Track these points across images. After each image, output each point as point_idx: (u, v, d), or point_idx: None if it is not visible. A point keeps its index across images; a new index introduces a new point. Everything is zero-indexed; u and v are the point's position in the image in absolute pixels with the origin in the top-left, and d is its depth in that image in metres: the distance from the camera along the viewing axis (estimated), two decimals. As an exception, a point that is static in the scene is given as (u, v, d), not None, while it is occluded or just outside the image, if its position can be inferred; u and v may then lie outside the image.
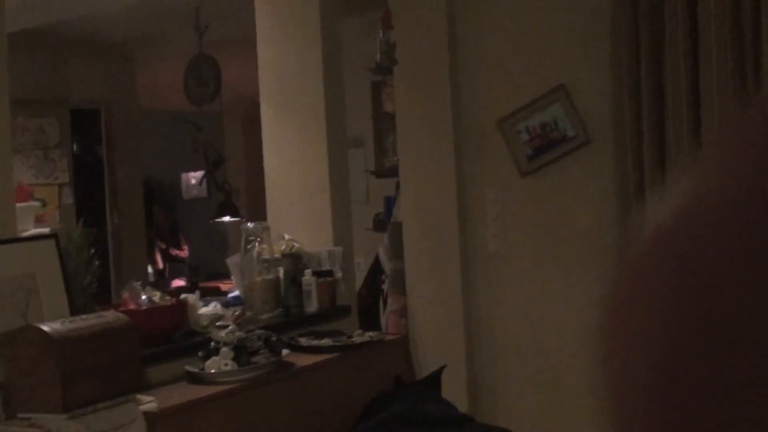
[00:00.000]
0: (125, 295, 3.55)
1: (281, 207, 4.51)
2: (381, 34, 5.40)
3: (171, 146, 10.66)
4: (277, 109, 4.49)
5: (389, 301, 5.40)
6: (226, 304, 4.08)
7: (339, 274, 4.30)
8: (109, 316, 2.81)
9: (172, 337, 3.50)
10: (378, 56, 5.52)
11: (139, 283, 3.56)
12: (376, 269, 5.65)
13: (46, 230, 3.18)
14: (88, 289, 3.11)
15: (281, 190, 4.50)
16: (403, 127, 5.10)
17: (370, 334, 3.94)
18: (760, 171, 0.42)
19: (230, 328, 3.37)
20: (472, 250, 4.76)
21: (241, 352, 3.30)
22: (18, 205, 3.06)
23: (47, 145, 7.56)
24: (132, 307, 3.50)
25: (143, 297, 3.52)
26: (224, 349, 3.27)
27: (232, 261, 4.39)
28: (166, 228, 10.31)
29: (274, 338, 3.46)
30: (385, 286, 5.52)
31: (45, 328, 2.59)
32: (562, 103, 4.47)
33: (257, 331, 3.45)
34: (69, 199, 7.65)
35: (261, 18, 4.52)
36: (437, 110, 4.78)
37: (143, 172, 9.04)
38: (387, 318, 5.41)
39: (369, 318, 5.65)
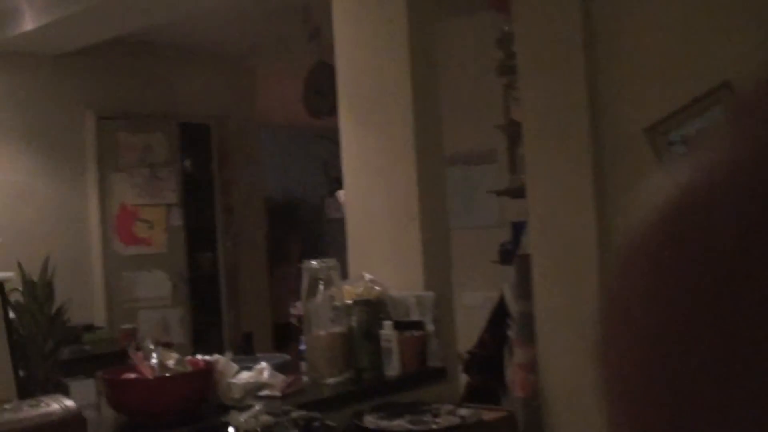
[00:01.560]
0: (136, 355, 2.74)
1: (363, 239, 3.64)
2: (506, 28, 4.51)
3: (292, 162, 9.99)
4: (357, 120, 3.63)
5: (515, 351, 4.45)
6: (282, 366, 3.21)
7: (430, 327, 3.38)
8: (54, 407, 1.98)
9: (192, 414, 2.67)
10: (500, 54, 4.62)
11: (149, 343, 2.73)
12: (500, 311, 4.69)
13: (6, 275, 2.37)
14: (51, 357, 2.29)
15: (363, 219, 3.63)
16: (531, 139, 4.19)
17: (463, 413, 3.00)
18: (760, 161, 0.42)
19: (255, 409, 2.50)
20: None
21: (265, 445, 2.43)
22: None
23: (154, 163, 6.93)
24: (140, 373, 2.70)
25: (153, 360, 2.70)
26: (241, 441, 2.41)
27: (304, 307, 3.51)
28: (296, 252, 9.58)
29: (317, 423, 2.57)
30: (510, 332, 4.56)
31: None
32: (726, 105, 3.48)
33: (295, 413, 2.57)
34: (177, 220, 7.00)
35: (339, 17, 3.69)
36: (571, 118, 3.89)
37: (265, 190, 8.34)
38: (512, 372, 4.46)
39: (491, 371, 4.72)
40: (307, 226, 10.40)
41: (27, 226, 6.33)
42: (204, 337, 7.23)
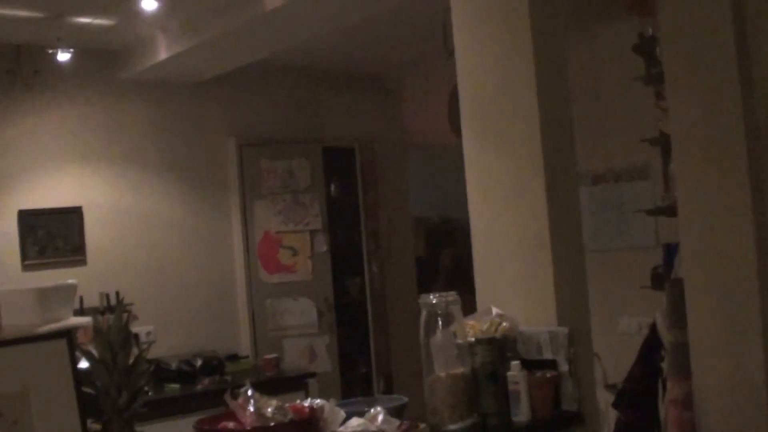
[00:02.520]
0: (236, 402, 2.55)
1: (490, 270, 3.35)
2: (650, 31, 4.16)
3: (444, 182, 9.73)
4: (481, 141, 3.36)
5: (669, 385, 4.07)
6: (399, 410, 2.95)
7: (564, 367, 3.06)
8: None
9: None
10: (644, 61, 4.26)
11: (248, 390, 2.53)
12: (652, 341, 4.30)
13: (81, 321, 2.21)
14: (128, 409, 2.11)
15: (489, 247, 3.35)
16: (681, 153, 3.83)
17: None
18: None
19: (355, 465, 2.25)
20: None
21: (364, 506, 2.18)
22: (37, 287, 2.14)
23: (297, 189, 6.83)
24: (238, 421, 2.50)
25: (250, 408, 2.50)
26: (336, 502, 2.17)
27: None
28: (449, 271, 9.31)
29: (425, 480, 2.30)
30: (663, 365, 4.17)
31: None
32: None
33: (400, 469, 2.31)
34: (322, 246, 6.86)
35: (459, 28, 3.45)
36: (725, 129, 3.51)
37: (414, 212, 8.12)
38: (666, 409, 4.07)
39: (643, 408, 4.33)
40: (464, 247, 10.14)
41: (172, 257, 6.34)
42: (352, 365, 7.07)
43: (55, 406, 2.04)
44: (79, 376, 2.05)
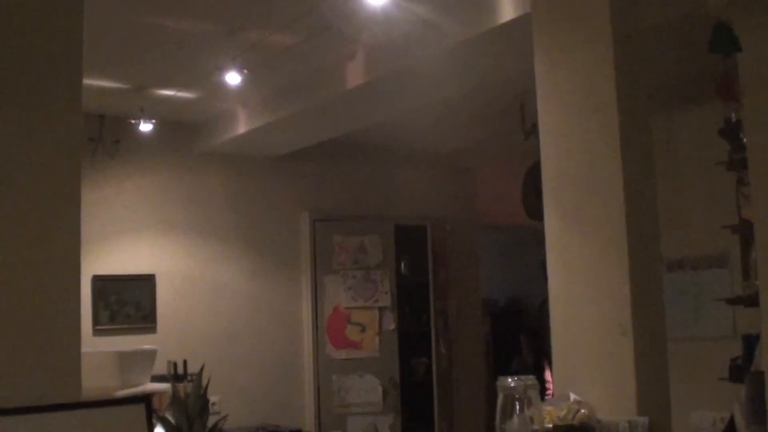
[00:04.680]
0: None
1: (569, 354, 3.28)
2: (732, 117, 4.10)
3: (511, 264, 9.67)
4: (564, 221, 3.31)
5: (747, 481, 3.91)
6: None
7: (643, 458, 2.95)
8: None
9: None
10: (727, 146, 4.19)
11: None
12: (730, 436, 4.17)
13: (160, 387, 2.20)
14: (204, 480, 2.09)
15: (569, 330, 3.27)
16: (765, 242, 3.73)
17: None
18: None
19: None
20: None
21: None
22: (119, 351, 2.14)
23: (368, 265, 6.82)
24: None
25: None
26: None
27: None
28: (529, 360, 9.15)
29: None
30: (743, 461, 4.03)
31: None
32: None
33: None
34: (390, 324, 6.83)
35: (543, 108, 3.43)
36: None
37: (483, 293, 8.05)
38: (746, 508, 3.92)
39: (720, 505, 4.19)
40: (531, 331, 9.99)
41: (241, 328, 6.35)
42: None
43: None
44: (157, 442, 2.04)
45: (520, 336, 9.38)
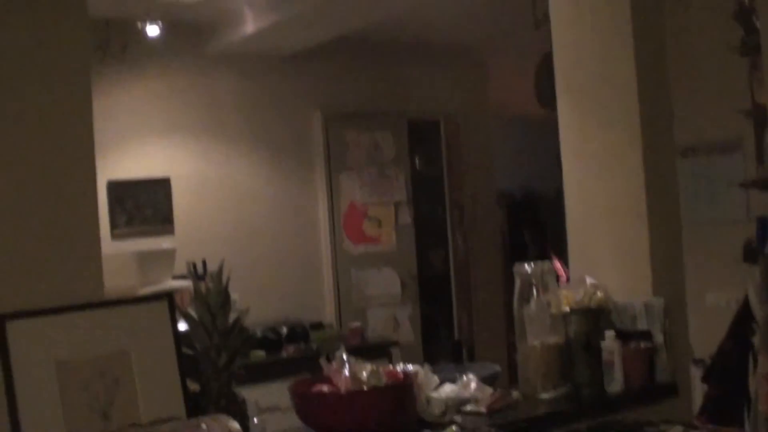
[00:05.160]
0: (329, 366, 2.56)
1: (584, 239, 3.31)
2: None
3: (527, 155, 9.64)
4: (577, 109, 3.30)
5: (760, 360, 3.95)
6: (491, 378, 2.95)
7: (659, 338, 3.01)
8: (216, 429, 1.82)
9: (392, 428, 2.47)
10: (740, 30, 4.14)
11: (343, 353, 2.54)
12: (744, 315, 4.19)
13: (182, 284, 2.24)
14: (226, 370, 2.14)
15: (584, 216, 3.30)
16: (779, 124, 3.70)
17: (693, 437, 2.63)
18: None
19: (450, 429, 2.25)
20: None
21: (460, 472, 2.18)
22: (138, 251, 2.17)
23: (382, 161, 6.83)
24: (332, 385, 2.52)
25: (345, 373, 2.51)
26: (433, 467, 2.17)
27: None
28: (533, 254, 9.21)
29: (520, 448, 2.29)
30: (755, 339, 4.08)
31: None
32: None
33: (495, 436, 2.30)
34: (407, 218, 6.87)
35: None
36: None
37: (498, 185, 8.05)
38: (757, 384, 3.97)
39: (734, 383, 4.24)
40: (546, 222, 10.03)
41: (257, 227, 6.40)
42: (434, 336, 7.09)
43: (156, 365, 2.07)
44: (179, 337, 2.08)
45: (523, 231, 9.43)
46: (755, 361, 4.02)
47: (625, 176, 3.12)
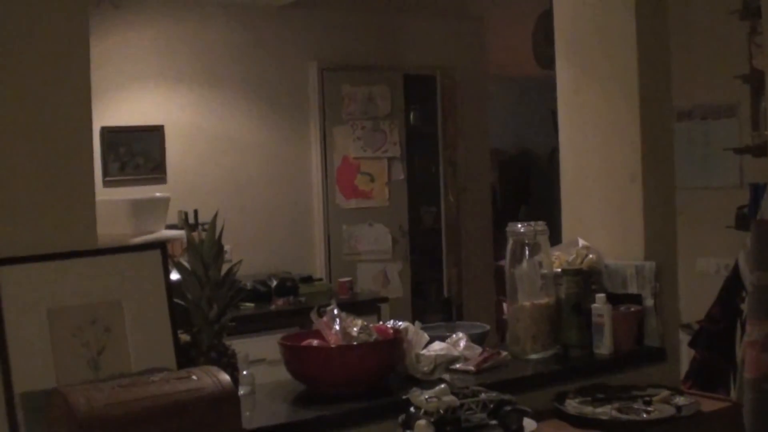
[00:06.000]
0: (321, 321, 2.57)
1: (578, 201, 3.31)
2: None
3: (522, 114, 9.62)
4: (576, 68, 3.28)
5: (748, 327, 3.97)
6: (481, 337, 2.96)
7: (649, 302, 3.02)
8: (206, 382, 1.82)
9: (375, 386, 2.48)
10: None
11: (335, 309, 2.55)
12: (733, 282, 4.21)
13: (175, 233, 2.24)
14: (218, 322, 2.14)
15: (579, 177, 3.30)
16: (777, 91, 3.70)
17: (680, 401, 2.65)
18: None
19: (440, 388, 2.26)
20: None
21: (448, 429, 2.19)
22: (131, 198, 2.16)
23: (377, 115, 6.79)
24: (322, 340, 2.53)
25: (336, 327, 2.52)
26: (421, 423, 2.18)
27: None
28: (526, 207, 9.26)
29: (509, 407, 2.30)
30: (744, 306, 4.09)
31: (75, 397, 1.65)
32: None
33: (484, 395, 2.31)
34: (399, 174, 6.85)
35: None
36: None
37: (492, 143, 8.03)
38: (743, 350, 4.00)
39: (721, 349, 4.27)
40: (538, 180, 10.04)
41: (250, 179, 6.38)
42: (423, 292, 7.10)
43: (147, 315, 2.07)
44: (171, 287, 2.07)
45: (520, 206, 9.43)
46: (743, 327, 4.05)
47: (622, 138, 3.11)
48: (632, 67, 3.07)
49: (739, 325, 4.14)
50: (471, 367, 2.70)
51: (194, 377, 1.83)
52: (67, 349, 1.93)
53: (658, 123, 3.12)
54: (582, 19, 3.25)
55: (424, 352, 2.62)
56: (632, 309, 2.98)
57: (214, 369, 1.90)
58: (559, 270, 2.97)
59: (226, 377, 1.87)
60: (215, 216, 2.18)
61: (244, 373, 2.41)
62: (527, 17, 7.11)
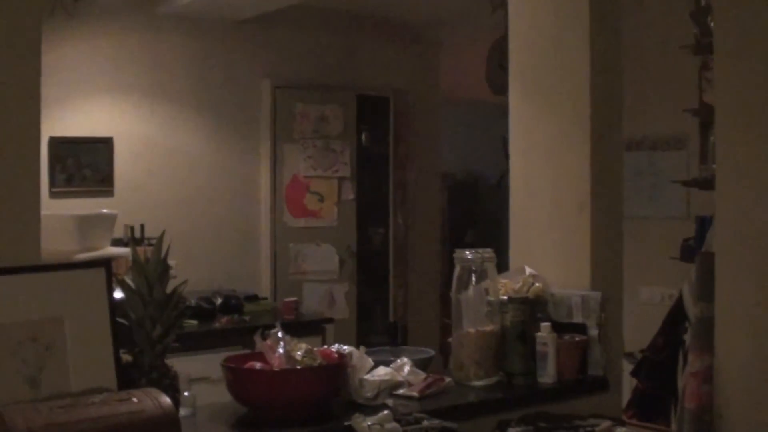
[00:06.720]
0: (265, 343, 2.54)
1: (526, 228, 3.32)
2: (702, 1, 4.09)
3: (472, 139, 9.68)
4: (528, 96, 3.30)
5: (690, 358, 4.00)
6: (425, 363, 2.95)
7: (594, 331, 3.04)
8: (146, 404, 1.79)
9: (318, 411, 2.46)
10: (695, 29, 4.19)
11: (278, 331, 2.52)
12: (677, 313, 4.25)
13: (121, 251, 2.20)
14: (160, 342, 2.11)
15: (527, 205, 3.31)
16: (724, 126, 3.73)
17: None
18: None
19: (383, 414, 2.25)
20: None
21: (390, 456, 2.18)
22: (78, 214, 2.12)
23: (329, 135, 6.78)
24: (266, 363, 2.50)
25: (280, 351, 2.49)
26: (364, 450, 2.16)
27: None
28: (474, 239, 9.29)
29: (452, 435, 2.29)
30: (686, 337, 4.13)
31: (13, 417, 1.61)
32: None
33: (427, 422, 2.30)
34: (349, 194, 6.84)
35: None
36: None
37: (443, 167, 8.06)
38: (685, 381, 4.03)
39: (662, 379, 4.30)
40: (486, 206, 10.09)
41: (198, 193, 6.33)
42: (369, 314, 7.09)
43: (89, 333, 2.03)
44: (114, 306, 2.04)
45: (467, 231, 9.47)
46: (685, 358, 4.08)
47: (571, 167, 3.13)
48: (584, 98, 3.09)
49: (681, 356, 4.18)
50: (414, 393, 2.69)
51: (135, 399, 1.80)
52: (6, 366, 1.89)
53: (608, 153, 3.15)
54: (536, 47, 3.27)
55: (368, 377, 2.61)
56: (576, 338, 3.00)
57: (154, 391, 1.87)
58: (506, 298, 2.97)
59: (167, 400, 1.84)
60: (162, 235, 2.15)
61: (186, 394, 2.38)
62: (482, 43, 7.14)
